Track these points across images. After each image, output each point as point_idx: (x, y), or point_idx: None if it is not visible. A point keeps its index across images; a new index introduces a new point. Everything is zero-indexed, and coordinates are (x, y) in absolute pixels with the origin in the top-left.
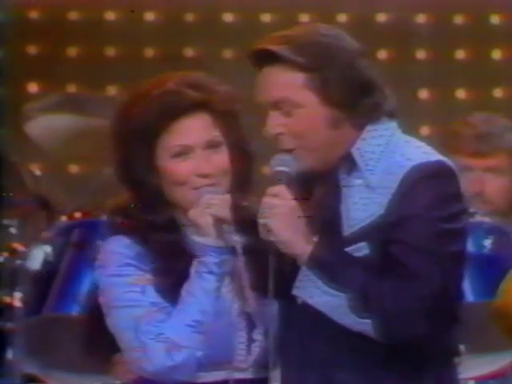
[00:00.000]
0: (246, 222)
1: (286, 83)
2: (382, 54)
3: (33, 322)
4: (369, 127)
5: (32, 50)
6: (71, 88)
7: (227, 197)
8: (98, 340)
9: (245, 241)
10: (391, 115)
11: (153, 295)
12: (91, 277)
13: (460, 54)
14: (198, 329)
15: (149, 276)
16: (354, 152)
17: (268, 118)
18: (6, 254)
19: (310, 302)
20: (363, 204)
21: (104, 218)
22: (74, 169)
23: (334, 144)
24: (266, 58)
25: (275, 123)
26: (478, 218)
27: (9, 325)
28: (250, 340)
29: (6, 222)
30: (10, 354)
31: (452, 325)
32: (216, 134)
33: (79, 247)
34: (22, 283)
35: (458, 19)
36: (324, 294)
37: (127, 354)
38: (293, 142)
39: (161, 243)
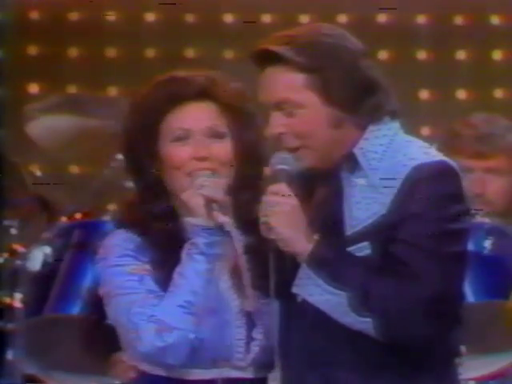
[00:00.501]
0: (248, 220)
1: (288, 84)
2: (383, 55)
3: (33, 322)
4: (371, 127)
5: (32, 50)
6: (72, 89)
7: (220, 180)
8: (97, 340)
9: (241, 230)
10: (394, 115)
11: (150, 284)
12: (91, 277)
13: (461, 55)
14: (190, 310)
15: (147, 266)
16: (357, 152)
17: (270, 118)
18: (6, 255)
19: (310, 300)
20: (366, 204)
21: (104, 218)
22: (74, 169)
23: (336, 143)
24: (268, 59)
25: (277, 123)
26: (479, 219)
27: (9, 325)
28: (250, 338)
29: (6, 222)
30: (10, 355)
31: (453, 325)
32: (218, 123)
33: (79, 248)
34: (22, 284)
35: (459, 20)
36: (324, 292)
37: (122, 338)
38: (295, 142)
39: (160, 234)
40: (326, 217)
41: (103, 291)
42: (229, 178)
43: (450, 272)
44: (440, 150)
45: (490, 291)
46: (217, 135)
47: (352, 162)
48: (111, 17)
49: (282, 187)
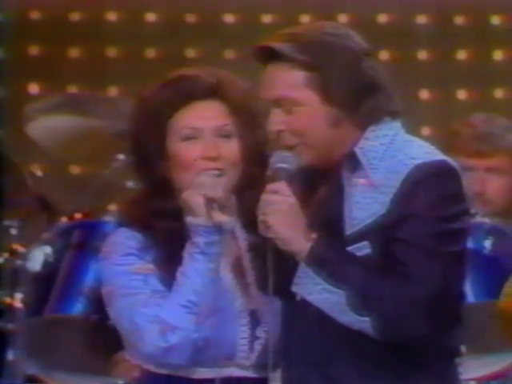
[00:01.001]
0: (253, 219)
1: (287, 81)
2: (383, 55)
3: (33, 322)
4: (372, 127)
5: (33, 50)
6: (72, 89)
7: (221, 179)
8: (98, 340)
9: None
10: (395, 116)
11: (154, 284)
12: (92, 277)
13: (461, 55)
14: (193, 309)
15: (151, 266)
16: (358, 151)
17: (270, 114)
18: (6, 255)
19: (309, 298)
20: (366, 203)
21: (104, 219)
22: (74, 169)
23: (335, 142)
24: (270, 56)
25: (276, 120)
26: (479, 219)
27: (9, 325)
28: (253, 337)
29: (6, 222)
30: (10, 355)
31: (453, 325)
32: (227, 122)
33: (79, 248)
34: (22, 284)
35: (459, 20)
36: (323, 291)
37: (125, 338)
38: (293, 139)
39: (164, 232)
40: (326, 216)
41: (106, 290)
42: (235, 178)
43: (450, 271)
44: (440, 149)
45: (490, 291)
46: (225, 135)
47: (353, 162)
48: (112, 17)
49: (281, 186)
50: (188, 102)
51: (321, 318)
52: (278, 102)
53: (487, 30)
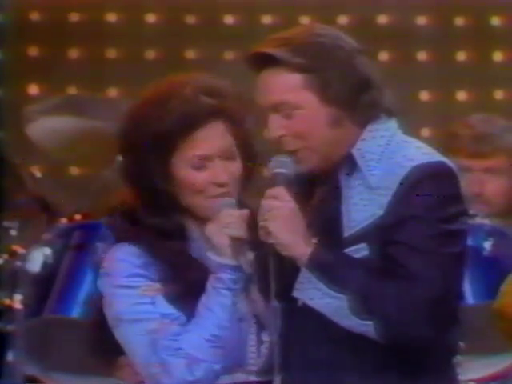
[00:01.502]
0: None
1: (285, 85)
2: (383, 56)
3: (33, 323)
4: (369, 127)
5: (33, 51)
6: (72, 90)
7: (243, 213)
8: (102, 342)
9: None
10: (390, 112)
11: (163, 305)
12: (91, 279)
13: (461, 56)
14: (216, 343)
15: (158, 285)
16: (355, 153)
17: (269, 120)
18: (5, 256)
19: (311, 303)
20: (364, 205)
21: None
22: (74, 171)
23: (335, 143)
24: (265, 61)
25: (276, 126)
26: (478, 220)
27: (9, 327)
28: (260, 342)
29: (6, 223)
30: (10, 356)
31: (452, 325)
32: (230, 143)
33: (79, 249)
34: (22, 285)
35: (459, 21)
36: (324, 295)
37: (143, 369)
38: (295, 144)
39: (169, 250)
40: (325, 218)
41: (109, 312)
42: (237, 193)
43: (449, 273)
44: (439, 150)
45: (490, 292)
46: (231, 157)
47: (350, 164)
48: (111, 18)
49: (281, 191)
50: (193, 129)
51: (322, 323)
52: (276, 108)
53: (487, 31)
